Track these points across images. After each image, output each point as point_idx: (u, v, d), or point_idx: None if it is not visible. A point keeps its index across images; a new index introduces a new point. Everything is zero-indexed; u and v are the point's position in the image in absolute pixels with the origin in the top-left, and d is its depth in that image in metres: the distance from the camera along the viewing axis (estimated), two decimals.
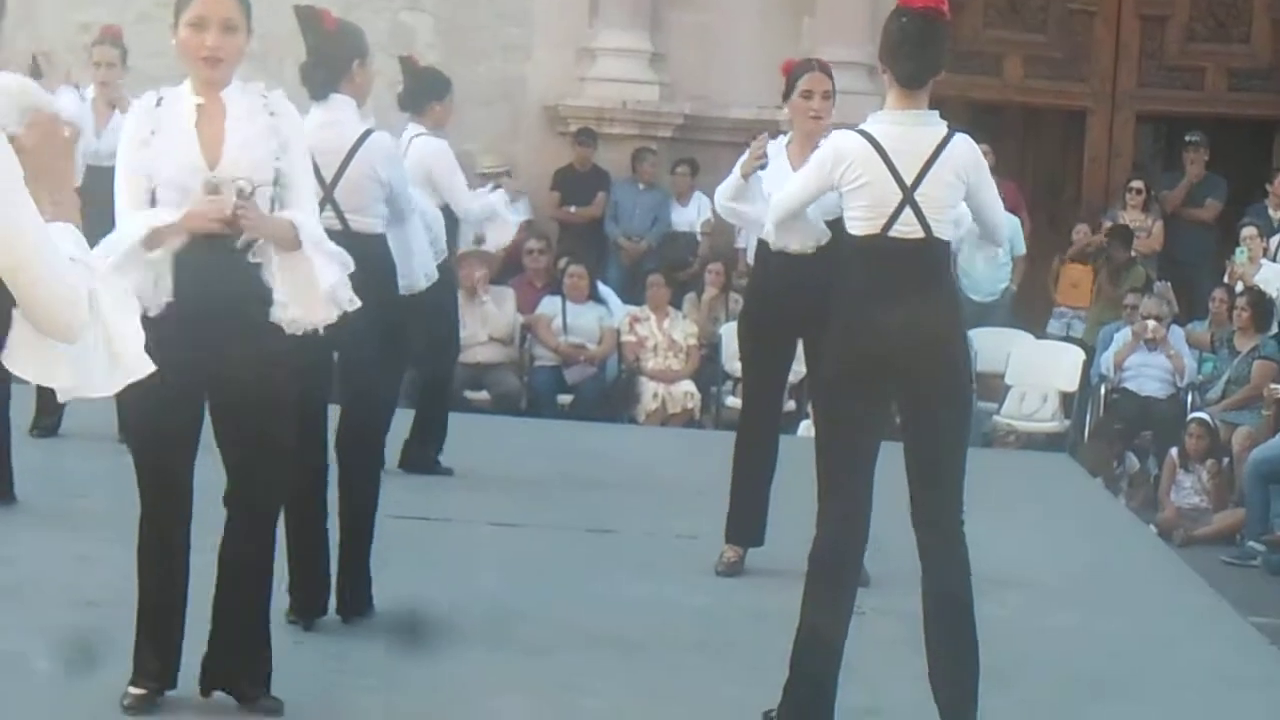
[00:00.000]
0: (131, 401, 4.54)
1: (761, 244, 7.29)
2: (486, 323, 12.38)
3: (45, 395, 9.41)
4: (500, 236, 10.34)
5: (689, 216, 14.02)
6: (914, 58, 5.18)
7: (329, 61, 5.98)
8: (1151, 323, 12.97)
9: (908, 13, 5.28)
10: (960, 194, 5.37)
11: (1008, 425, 13.66)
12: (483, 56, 13.30)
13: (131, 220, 5.11)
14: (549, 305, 13.30)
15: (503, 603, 6.80)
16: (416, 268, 7.07)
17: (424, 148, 8.30)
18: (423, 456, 8.88)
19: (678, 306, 13.16)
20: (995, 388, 13.84)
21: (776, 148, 7.11)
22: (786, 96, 7.13)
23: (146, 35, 12.66)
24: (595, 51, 15.88)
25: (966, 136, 5.49)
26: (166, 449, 5.07)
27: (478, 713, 5.54)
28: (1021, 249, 13.47)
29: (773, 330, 7.32)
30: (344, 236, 5.57)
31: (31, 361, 3.27)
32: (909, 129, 5.25)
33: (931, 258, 5.43)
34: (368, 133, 6.05)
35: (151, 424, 5.16)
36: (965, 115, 13.47)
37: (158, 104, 5.24)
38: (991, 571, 6.28)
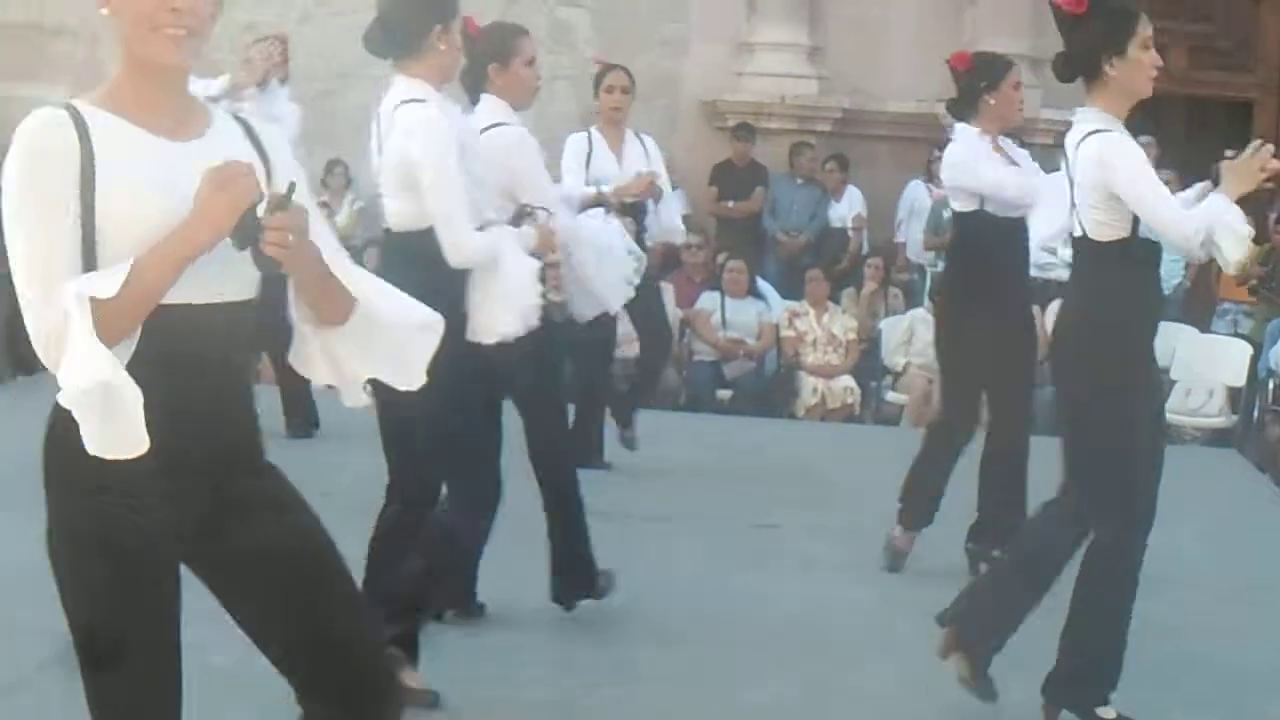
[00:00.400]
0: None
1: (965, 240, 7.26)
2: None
3: (292, 397, 9.78)
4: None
5: (841, 211, 13.89)
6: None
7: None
8: None
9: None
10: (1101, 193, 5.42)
11: (1174, 421, 13.06)
12: (640, 52, 12.95)
13: None
14: (708, 300, 13.22)
15: (664, 597, 6.76)
16: None
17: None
18: (585, 451, 8.84)
19: (836, 301, 13.02)
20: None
21: (966, 134, 7.10)
22: (991, 88, 7.04)
23: (309, 35, 12.89)
24: (753, 46, 15.75)
25: (1098, 135, 5.49)
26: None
27: (640, 705, 5.50)
28: None
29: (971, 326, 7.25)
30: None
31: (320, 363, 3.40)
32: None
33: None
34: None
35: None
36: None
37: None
38: (1160, 570, 6.14)
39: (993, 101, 7.17)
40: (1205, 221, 5.44)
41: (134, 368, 2.97)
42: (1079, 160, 5.45)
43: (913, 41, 15.49)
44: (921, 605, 6.67)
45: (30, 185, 3.07)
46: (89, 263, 3.02)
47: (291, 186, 3.02)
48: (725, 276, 13.27)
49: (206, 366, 3.18)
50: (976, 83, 7.29)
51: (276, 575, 3.28)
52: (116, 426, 2.98)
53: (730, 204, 14.22)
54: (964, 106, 7.29)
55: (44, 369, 8.82)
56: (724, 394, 13.03)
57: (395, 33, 5.19)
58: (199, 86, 9.20)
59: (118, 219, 3.00)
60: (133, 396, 2.93)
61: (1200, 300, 14.35)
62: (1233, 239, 5.54)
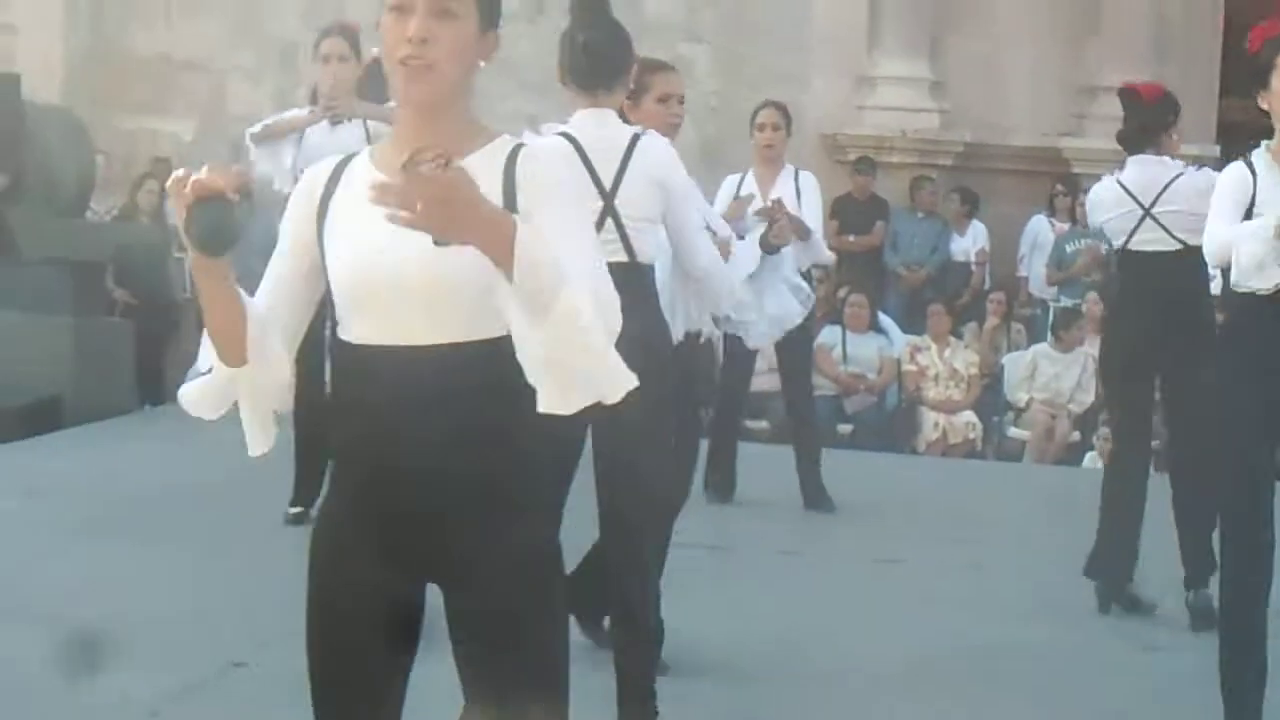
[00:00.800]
0: None
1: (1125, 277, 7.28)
2: (765, 352, 12.47)
3: None
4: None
5: (964, 245, 13.97)
6: None
7: None
8: None
9: None
10: None
11: None
12: (761, 86, 13.25)
13: None
14: (829, 335, 13.30)
15: (788, 632, 6.80)
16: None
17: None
18: (722, 484, 8.93)
19: (958, 336, 13.11)
20: None
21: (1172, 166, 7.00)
22: (1176, 122, 7.05)
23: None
24: (874, 80, 16.05)
25: None
26: None
27: None
28: None
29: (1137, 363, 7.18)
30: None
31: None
32: None
33: None
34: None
35: None
36: None
37: None
38: None
39: (1175, 136, 7.13)
40: None
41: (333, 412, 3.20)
42: None
43: (1035, 74, 15.67)
44: (1043, 644, 6.79)
45: (285, 218, 3.30)
46: (331, 298, 3.17)
47: (444, 163, 2.89)
48: (846, 311, 13.34)
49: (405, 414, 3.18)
50: (1165, 115, 7.16)
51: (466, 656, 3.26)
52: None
53: (851, 238, 14.31)
54: (1145, 138, 7.11)
55: (172, 399, 8.79)
56: (845, 428, 13.06)
57: (604, 64, 5.26)
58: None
59: (330, 264, 3.10)
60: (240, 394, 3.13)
61: None
62: None
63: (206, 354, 3.22)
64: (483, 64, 3.26)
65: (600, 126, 5.20)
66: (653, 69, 6.13)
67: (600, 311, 3.03)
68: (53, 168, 12.99)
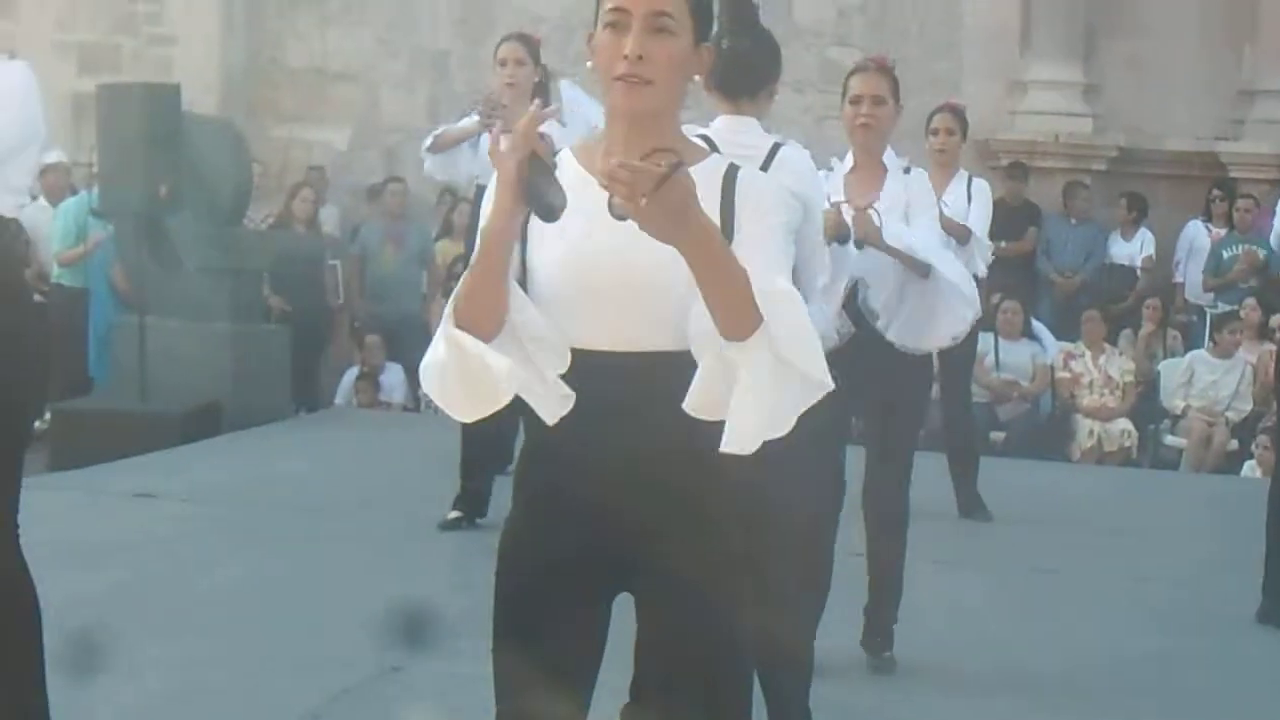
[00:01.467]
0: None
1: None
2: None
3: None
4: None
5: (1130, 250, 13.90)
6: None
7: None
8: None
9: None
10: None
11: None
12: (912, 91, 13.03)
13: None
14: (981, 342, 12.98)
15: (945, 641, 6.81)
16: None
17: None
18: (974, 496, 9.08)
19: (1113, 343, 13.06)
20: None
21: None
22: None
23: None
24: (1026, 84, 15.94)
25: None
26: None
27: None
28: None
29: None
30: None
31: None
32: None
33: None
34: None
35: None
36: None
37: None
38: None
39: None
40: None
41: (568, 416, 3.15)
42: None
43: (1190, 78, 15.50)
44: (1205, 654, 6.72)
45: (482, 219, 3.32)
46: (533, 297, 3.17)
47: (676, 164, 2.90)
48: (999, 317, 13.22)
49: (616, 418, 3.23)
50: None
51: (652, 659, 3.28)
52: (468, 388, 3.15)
53: (1003, 244, 13.92)
54: None
55: (326, 404, 8.20)
56: (997, 436, 13.01)
57: (749, 73, 5.26)
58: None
59: (539, 262, 3.13)
60: (480, 356, 3.07)
61: None
62: None
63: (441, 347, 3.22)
64: (697, 78, 3.29)
65: (740, 133, 5.18)
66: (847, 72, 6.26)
67: (796, 349, 3.03)
68: (211, 177, 13.07)
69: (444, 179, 10.13)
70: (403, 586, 7.48)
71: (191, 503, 9.29)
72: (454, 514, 8.94)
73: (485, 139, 8.78)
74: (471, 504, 9.02)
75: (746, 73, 5.24)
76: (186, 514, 9.13)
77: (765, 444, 3.15)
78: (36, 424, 11.07)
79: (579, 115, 8.83)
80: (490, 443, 8.76)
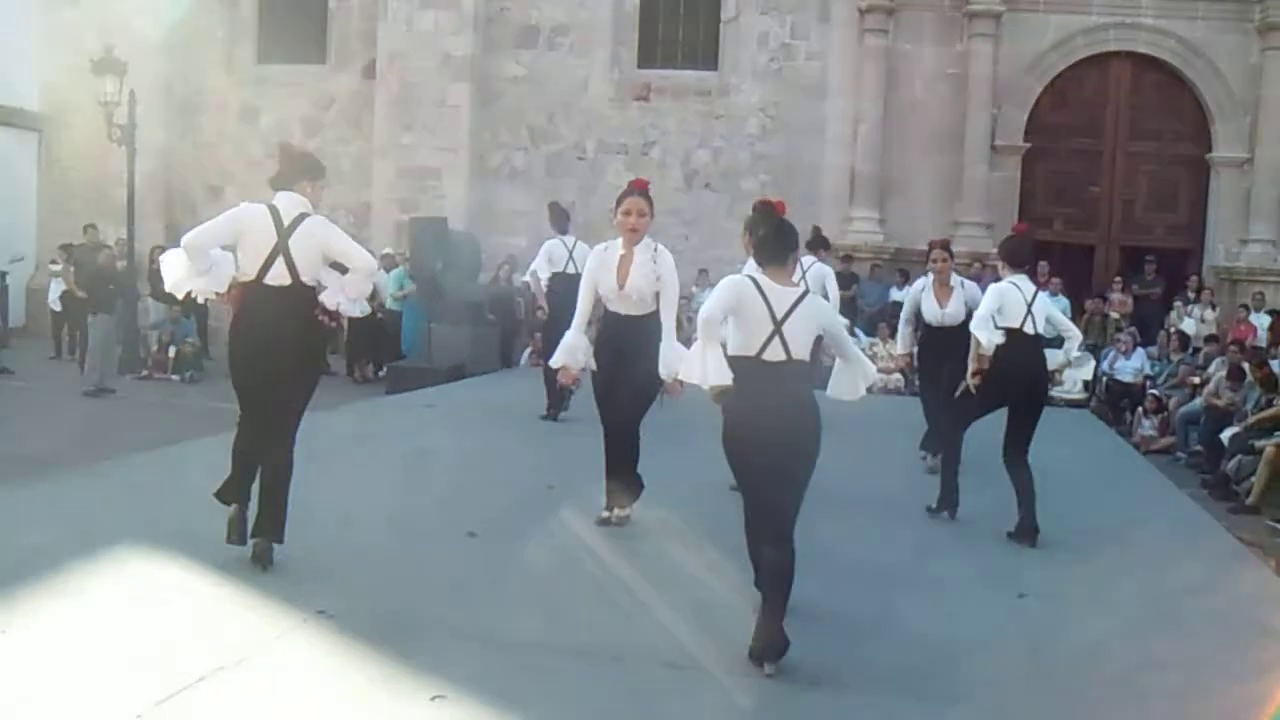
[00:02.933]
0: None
1: None
2: None
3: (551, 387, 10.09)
4: None
5: (902, 295, 12.55)
6: None
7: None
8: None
9: None
10: None
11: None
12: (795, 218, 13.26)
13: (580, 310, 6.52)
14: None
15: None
16: None
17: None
18: None
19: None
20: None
21: None
22: None
23: None
24: (853, 218, 17.68)
25: None
26: None
27: None
28: None
29: None
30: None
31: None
32: None
33: None
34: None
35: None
36: None
37: (605, 249, 6.42)
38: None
39: None
40: None
41: None
42: None
43: (925, 217, 17.35)
44: None
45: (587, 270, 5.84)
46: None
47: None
48: None
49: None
50: None
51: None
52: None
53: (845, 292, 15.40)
54: None
55: (515, 365, 13.03)
56: None
57: (772, 251, 4.88)
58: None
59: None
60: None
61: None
62: None
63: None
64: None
65: (772, 281, 4.81)
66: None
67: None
68: (461, 259, 16.09)
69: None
70: (538, 450, 8.91)
71: (451, 409, 10.63)
72: (544, 416, 10.28)
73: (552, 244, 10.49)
74: (553, 410, 10.35)
75: (771, 252, 4.89)
76: (447, 411, 10.49)
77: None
78: (380, 373, 13.97)
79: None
80: (555, 384, 9.28)
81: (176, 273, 5.54)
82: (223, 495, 5.61)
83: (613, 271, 6.28)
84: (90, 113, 18.28)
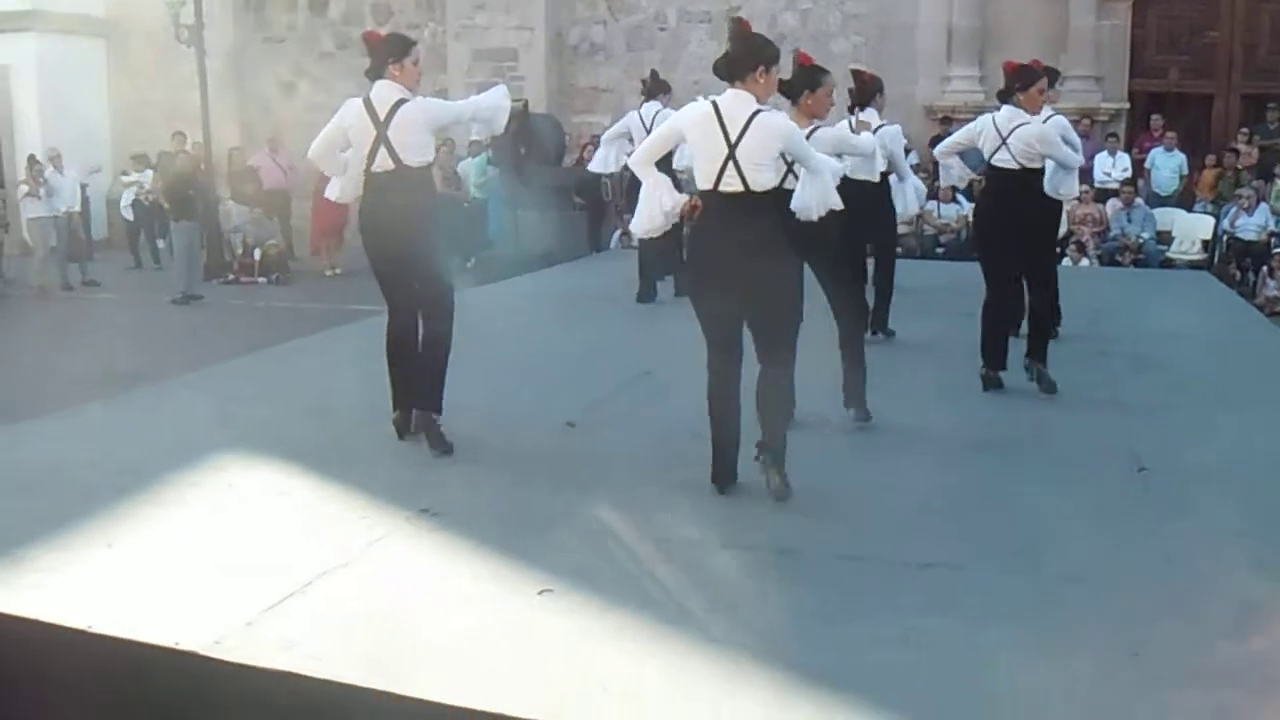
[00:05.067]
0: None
1: None
2: None
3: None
4: None
5: None
6: None
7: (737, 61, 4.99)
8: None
9: None
10: None
11: (1175, 257, 15.44)
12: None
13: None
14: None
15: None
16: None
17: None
18: None
19: None
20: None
21: None
22: None
23: None
24: (950, 78, 17.28)
25: None
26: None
27: None
28: None
29: None
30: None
31: None
32: None
33: None
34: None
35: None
36: None
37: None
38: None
39: None
40: None
41: None
42: None
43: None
44: None
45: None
46: None
47: None
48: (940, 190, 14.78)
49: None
50: None
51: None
52: None
53: None
54: None
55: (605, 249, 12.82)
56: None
57: (732, 68, 4.97)
58: None
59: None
60: None
61: (1186, 197, 16.39)
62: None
63: None
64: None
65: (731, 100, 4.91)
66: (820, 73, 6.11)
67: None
68: (544, 143, 16.48)
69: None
70: (634, 335, 9.10)
71: (537, 296, 10.90)
72: (639, 300, 10.22)
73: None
74: (645, 293, 10.31)
75: (730, 68, 4.97)
76: (537, 300, 10.70)
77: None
78: (469, 264, 14.11)
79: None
80: (654, 259, 10.04)
81: (332, 185, 6.11)
82: (393, 403, 6.04)
83: None
84: (157, 15, 18.45)
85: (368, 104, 5.78)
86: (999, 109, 7.05)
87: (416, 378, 5.89)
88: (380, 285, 5.99)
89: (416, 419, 5.92)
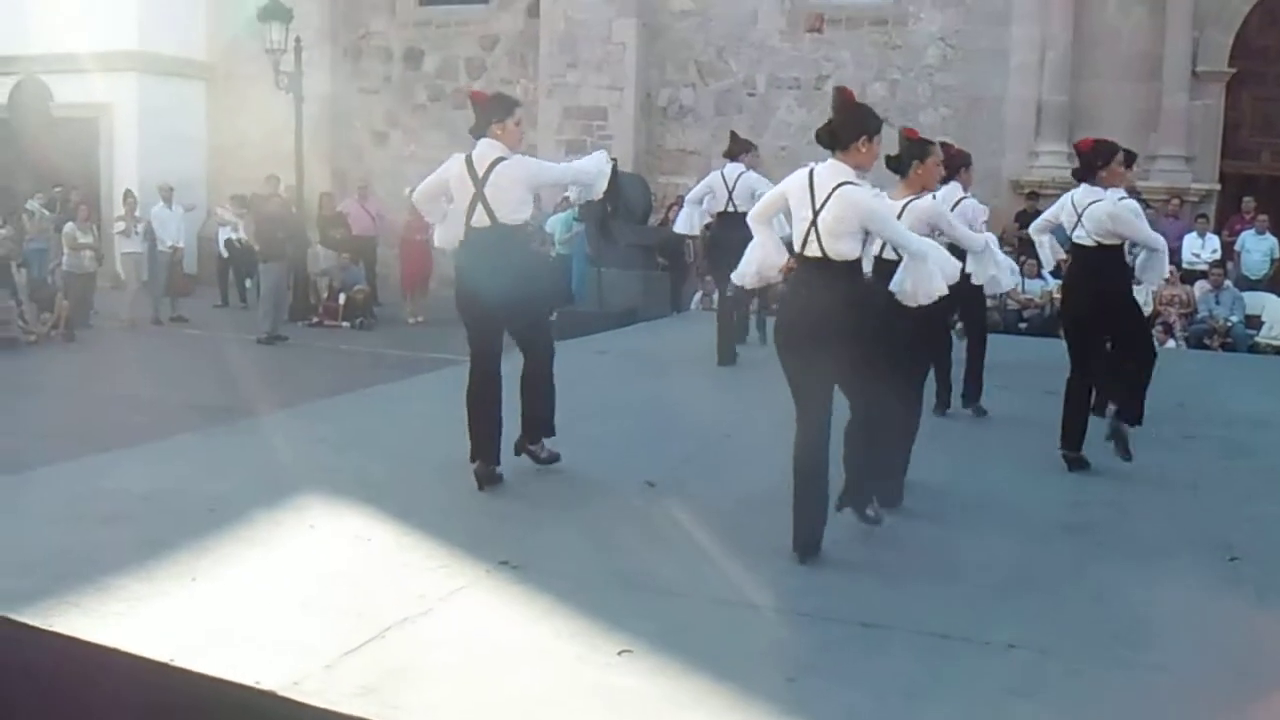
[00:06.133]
0: None
1: None
2: None
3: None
4: None
5: None
6: None
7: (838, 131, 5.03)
8: None
9: None
10: None
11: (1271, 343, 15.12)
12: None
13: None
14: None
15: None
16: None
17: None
18: None
19: None
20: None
21: None
22: None
23: None
24: (1039, 153, 17.10)
25: None
26: None
27: None
28: None
29: None
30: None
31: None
32: None
33: None
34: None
35: None
36: None
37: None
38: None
39: None
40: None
41: None
42: None
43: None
44: None
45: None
46: None
47: None
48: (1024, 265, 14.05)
49: None
50: None
51: None
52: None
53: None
54: None
55: (685, 309, 12.96)
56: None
57: (831, 139, 5.02)
58: None
59: None
60: None
61: (1277, 281, 16.11)
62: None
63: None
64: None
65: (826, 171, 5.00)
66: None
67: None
68: (631, 202, 16.06)
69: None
70: (713, 397, 8.87)
71: (619, 355, 10.74)
72: (720, 363, 10.03)
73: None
74: (726, 356, 10.17)
75: (830, 139, 5.02)
76: (623, 360, 10.47)
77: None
78: (552, 317, 11.94)
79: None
80: (731, 323, 10.12)
81: (436, 231, 6.31)
82: (471, 453, 6.14)
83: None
84: (257, 60, 18.79)
85: (469, 161, 5.97)
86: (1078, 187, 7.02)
87: (526, 411, 6.21)
88: (468, 335, 6.09)
89: (536, 456, 6.31)
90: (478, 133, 6.06)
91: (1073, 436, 6.91)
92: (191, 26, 21.31)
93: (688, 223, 10.31)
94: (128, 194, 18.21)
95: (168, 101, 20.97)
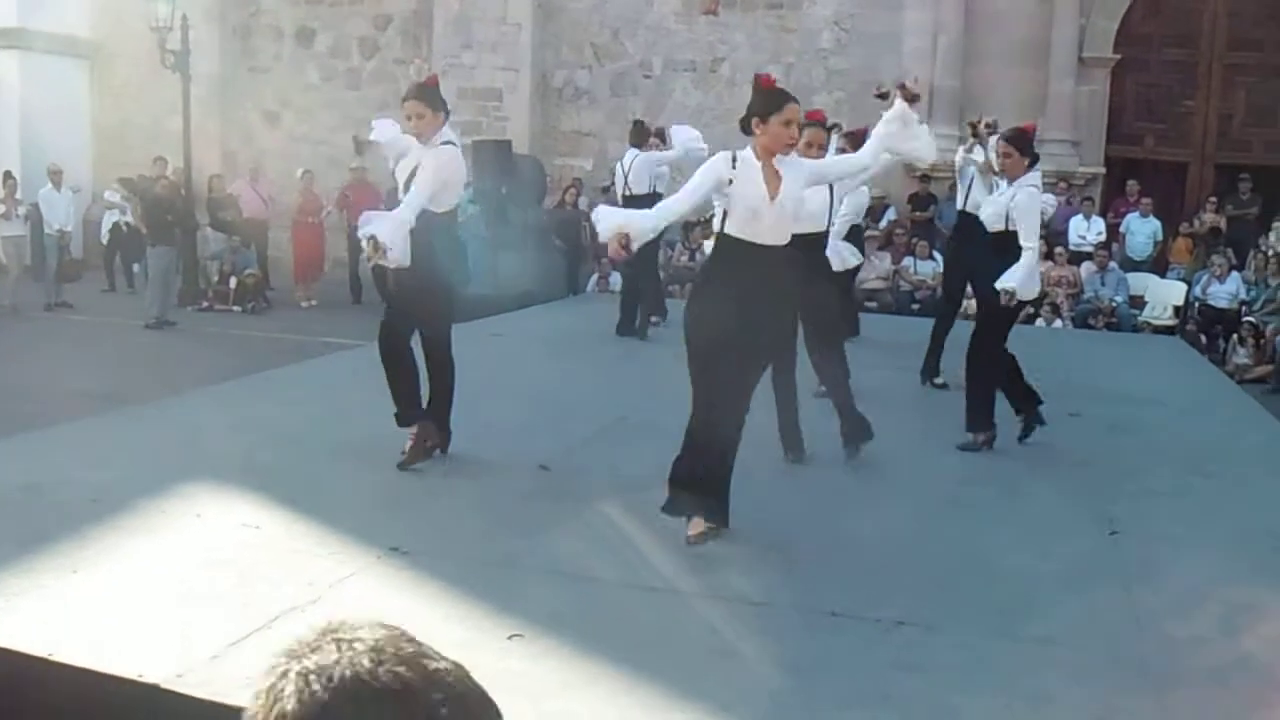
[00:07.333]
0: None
1: None
2: None
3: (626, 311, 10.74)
4: None
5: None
6: None
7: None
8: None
9: None
10: None
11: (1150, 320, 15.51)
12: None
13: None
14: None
15: None
16: None
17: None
18: None
19: None
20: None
21: None
22: None
23: None
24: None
25: None
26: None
27: None
28: None
29: None
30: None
31: None
32: None
33: None
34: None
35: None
36: None
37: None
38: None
39: None
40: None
41: None
42: None
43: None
44: None
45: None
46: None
47: None
48: (916, 246, 15.53)
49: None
50: None
51: None
52: None
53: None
54: None
55: (581, 292, 13.40)
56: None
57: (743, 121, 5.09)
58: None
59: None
60: None
61: (1159, 262, 16.58)
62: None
63: None
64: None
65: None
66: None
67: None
68: (525, 184, 16.19)
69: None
70: (609, 379, 9.09)
71: (514, 337, 10.76)
72: (620, 334, 10.55)
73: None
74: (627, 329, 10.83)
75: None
76: (508, 340, 10.63)
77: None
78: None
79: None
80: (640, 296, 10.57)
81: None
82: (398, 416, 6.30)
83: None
84: (143, 39, 18.45)
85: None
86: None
87: (432, 399, 6.27)
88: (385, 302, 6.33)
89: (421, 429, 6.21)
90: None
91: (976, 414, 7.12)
92: (75, 4, 20.86)
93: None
94: (8, 175, 17.71)
95: (50, 81, 20.49)
